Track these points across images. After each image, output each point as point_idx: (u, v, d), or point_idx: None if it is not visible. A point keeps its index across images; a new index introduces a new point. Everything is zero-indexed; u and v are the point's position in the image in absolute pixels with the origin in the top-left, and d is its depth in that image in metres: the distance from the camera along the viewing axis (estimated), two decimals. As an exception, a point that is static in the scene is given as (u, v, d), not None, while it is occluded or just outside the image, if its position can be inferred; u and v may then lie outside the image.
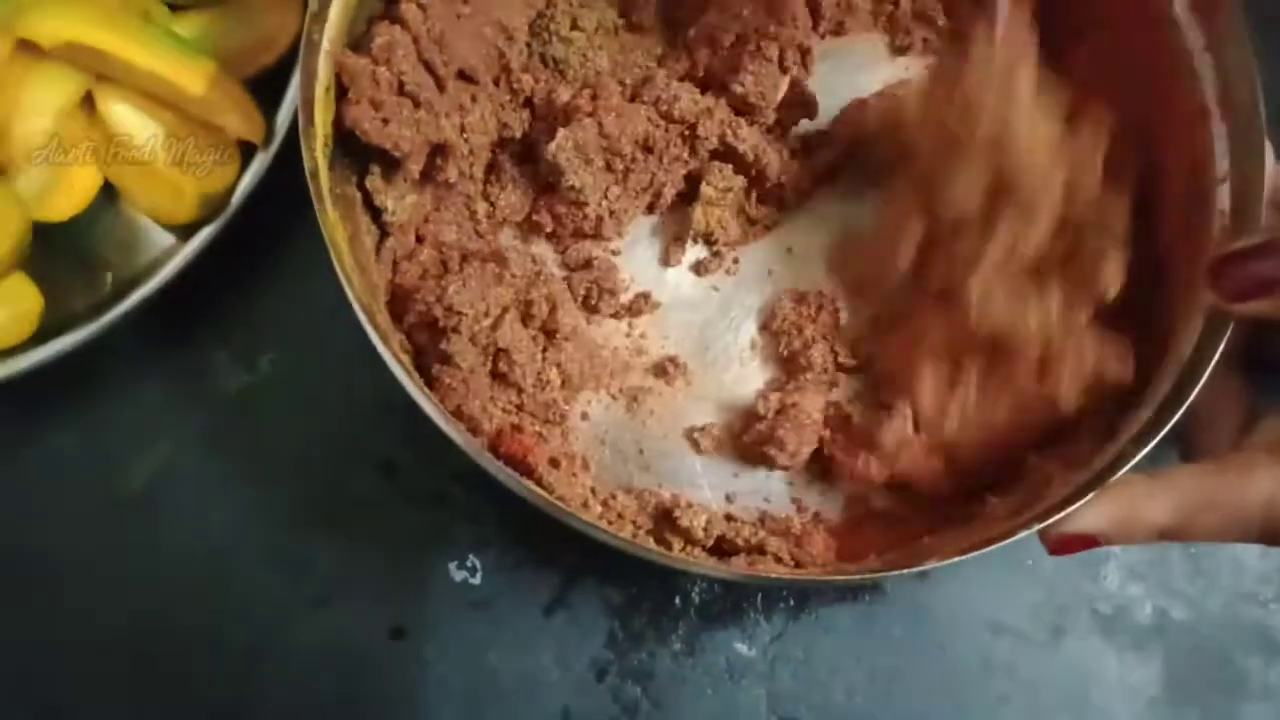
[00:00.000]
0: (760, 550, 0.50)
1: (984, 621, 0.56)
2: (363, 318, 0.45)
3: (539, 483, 0.50)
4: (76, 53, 0.51)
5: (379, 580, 0.55)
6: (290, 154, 0.54)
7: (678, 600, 0.56)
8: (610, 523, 0.51)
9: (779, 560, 0.50)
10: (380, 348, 0.45)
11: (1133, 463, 0.45)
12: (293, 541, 0.55)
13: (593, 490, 0.53)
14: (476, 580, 0.55)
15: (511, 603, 0.55)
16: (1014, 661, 0.55)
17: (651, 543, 0.50)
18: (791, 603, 0.56)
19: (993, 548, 0.44)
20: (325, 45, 0.49)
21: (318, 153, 0.48)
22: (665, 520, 0.51)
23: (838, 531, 0.53)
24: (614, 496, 0.53)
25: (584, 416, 0.56)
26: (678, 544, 0.50)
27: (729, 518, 0.53)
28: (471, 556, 0.55)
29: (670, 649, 0.55)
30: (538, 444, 0.52)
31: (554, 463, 0.52)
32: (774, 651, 0.55)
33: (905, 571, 0.49)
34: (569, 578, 0.56)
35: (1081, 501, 0.44)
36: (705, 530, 0.50)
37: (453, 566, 0.55)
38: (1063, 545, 0.44)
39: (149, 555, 0.55)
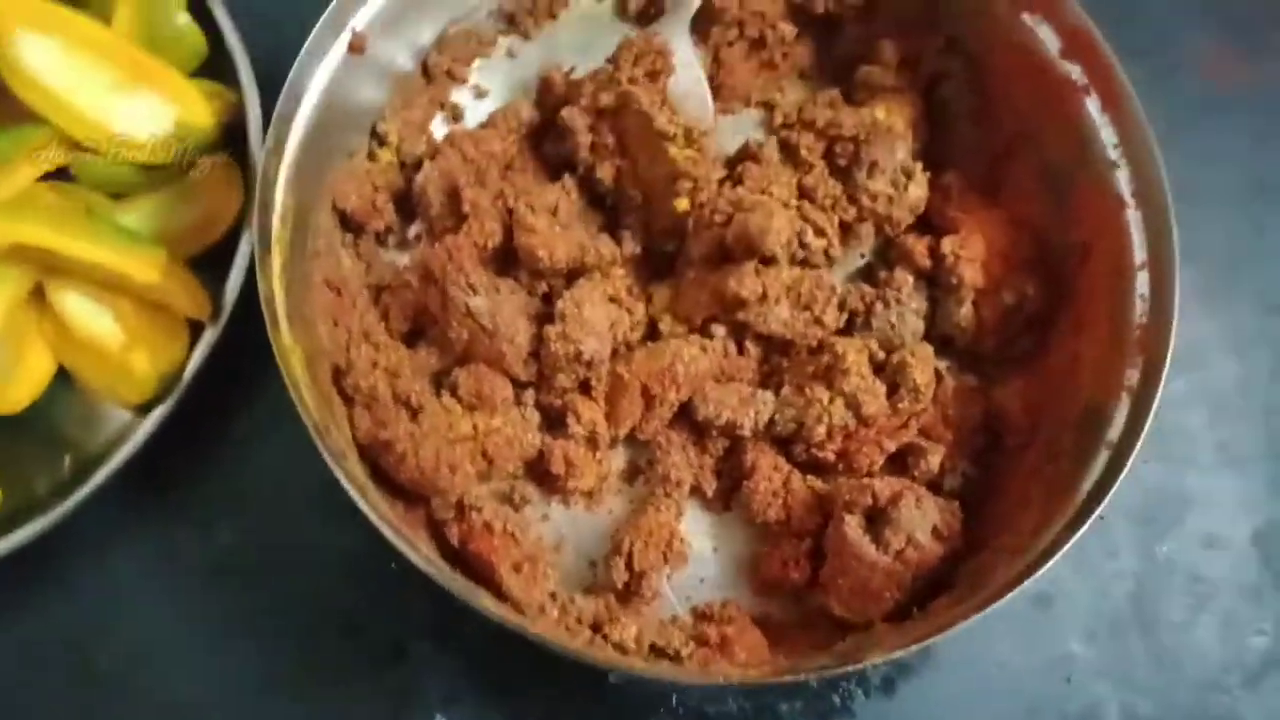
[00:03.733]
0: (705, 644, 0.51)
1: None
2: (315, 437, 0.46)
3: (499, 588, 0.52)
4: (24, 251, 0.53)
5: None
6: (238, 326, 0.57)
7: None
8: (568, 628, 0.52)
9: (722, 656, 0.50)
10: (330, 463, 0.46)
11: (1069, 545, 0.46)
12: (261, 711, 0.55)
13: (553, 595, 0.53)
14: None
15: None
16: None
17: (608, 648, 0.51)
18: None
19: (939, 638, 0.44)
20: (280, 179, 0.52)
21: (274, 281, 0.50)
22: (597, 632, 0.51)
23: (779, 632, 0.53)
24: (572, 600, 0.53)
25: (544, 518, 0.57)
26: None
27: (673, 620, 0.54)
28: (439, 717, 0.55)
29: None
30: (504, 545, 0.53)
31: (517, 567, 0.53)
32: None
33: (852, 669, 0.49)
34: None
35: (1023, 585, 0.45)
36: (637, 642, 0.50)
37: (424, 728, 0.55)
38: None
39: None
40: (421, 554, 0.47)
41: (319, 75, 0.54)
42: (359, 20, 0.55)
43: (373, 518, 0.45)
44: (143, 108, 0.56)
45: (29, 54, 0.53)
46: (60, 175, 0.57)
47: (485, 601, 0.46)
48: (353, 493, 0.45)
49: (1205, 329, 0.63)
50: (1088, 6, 0.67)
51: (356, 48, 0.55)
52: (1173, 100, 0.67)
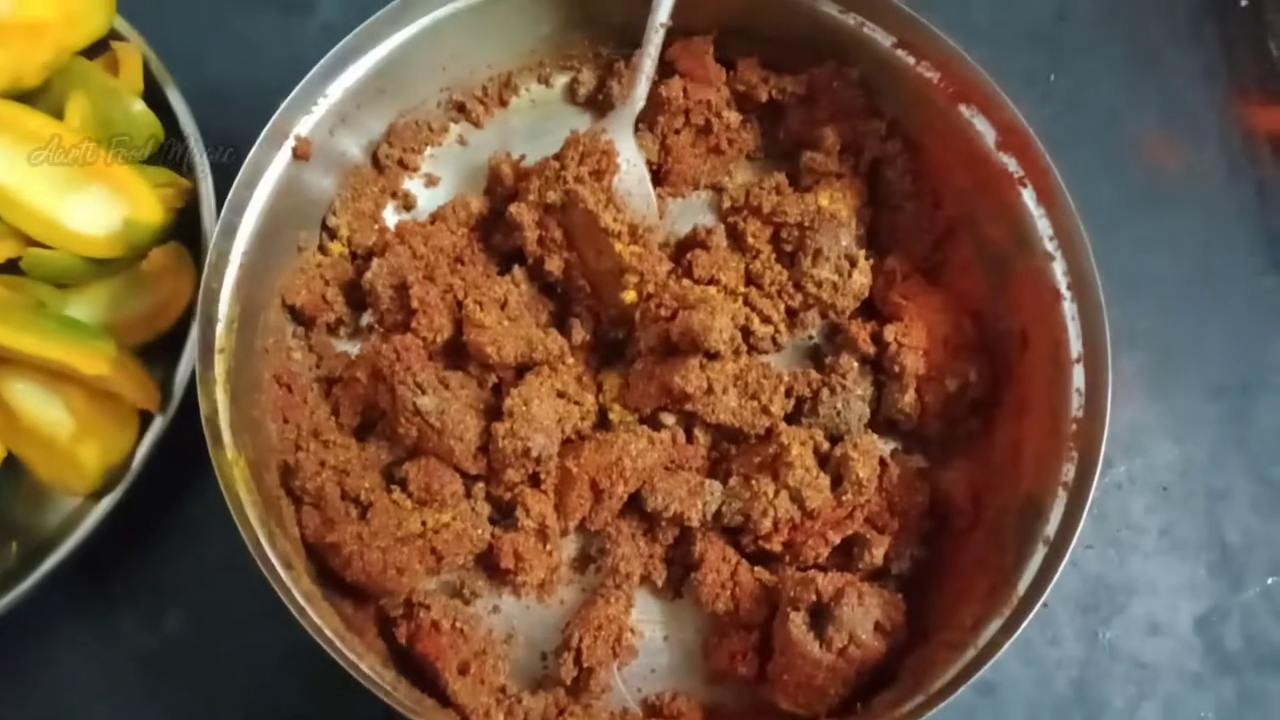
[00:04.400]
0: None
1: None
2: (254, 553, 0.47)
3: (444, 692, 0.51)
4: (-30, 350, 0.53)
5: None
6: (187, 414, 0.57)
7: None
8: None
9: None
10: (271, 579, 0.47)
11: (1009, 643, 0.47)
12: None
13: (502, 690, 0.53)
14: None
15: None
16: None
17: None
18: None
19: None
20: (225, 288, 0.52)
21: (217, 397, 0.51)
22: None
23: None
24: (520, 700, 0.53)
25: (494, 610, 0.57)
26: None
27: (624, 713, 0.54)
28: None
29: None
30: (452, 644, 0.53)
31: (463, 669, 0.53)
32: None
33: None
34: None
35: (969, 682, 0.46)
36: None
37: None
38: None
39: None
40: (366, 664, 0.47)
41: (264, 182, 0.54)
42: (303, 126, 0.56)
43: (315, 634, 0.46)
44: (93, 202, 0.56)
45: (-23, 154, 0.53)
46: (10, 266, 0.57)
47: (428, 712, 0.46)
48: (294, 609, 0.46)
49: (1148, 414, 0.64)
50: (1033, 94, 0.70)
51: (301, 154, 0.55)
52: (1117, 187, 0.69)
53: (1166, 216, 0.69)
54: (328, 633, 0.47)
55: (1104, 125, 0.72)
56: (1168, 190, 0.70)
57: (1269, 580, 0.61)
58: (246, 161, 0.53)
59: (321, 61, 0.56)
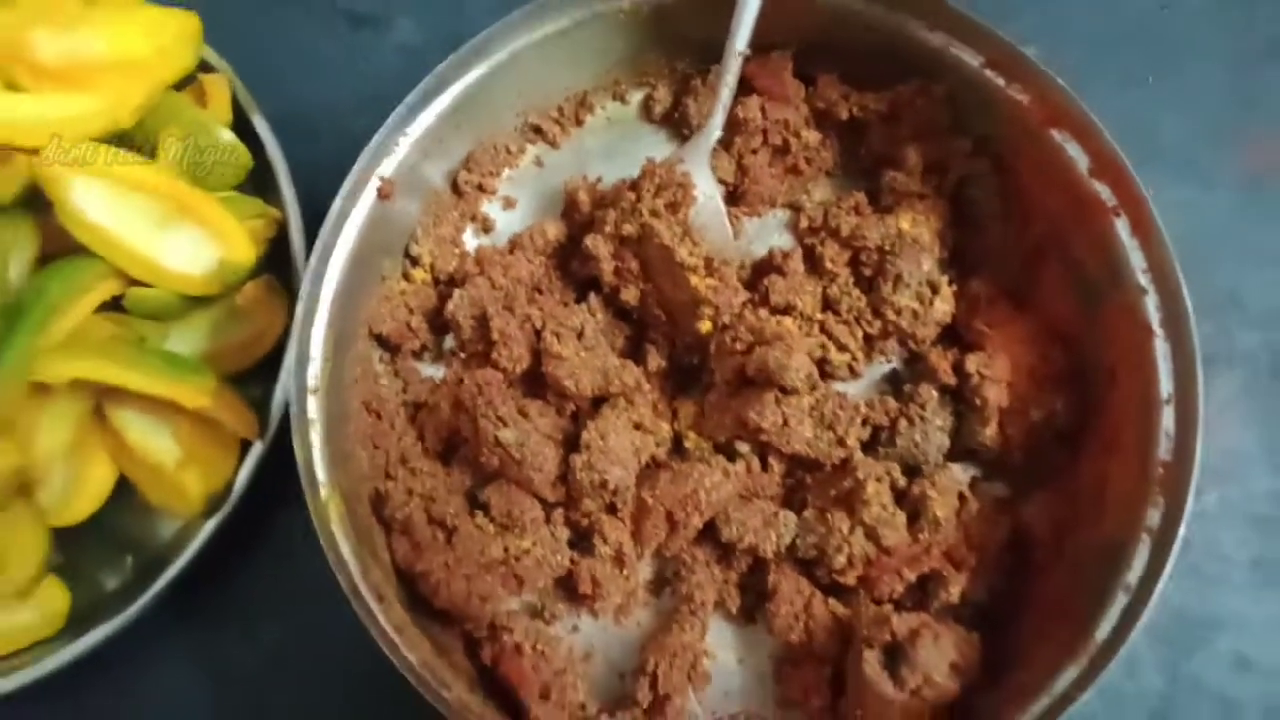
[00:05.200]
0: None
1: None
2: (350, 597, 0.49)
3: (526, 716, 0.54)
4: (83, 382, 0.57)
5: None
6: (283, 437, 0.59)
7: None
8: None
9: None
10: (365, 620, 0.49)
11: (1085, 695, 0.47)
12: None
13: (581, 708, 0.56)
14: None
15: None
16: None
17: None
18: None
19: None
20: (316, 332, 0.55)
21: (312, 439, 0.53)
22: None
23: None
24: None
25: (574, 629, 0.59)
26: None
27: None
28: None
29: None
30: (534, 666, 0.55)
31: (544, 693, 0.55)
32: None
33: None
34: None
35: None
36: None
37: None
38: None
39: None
40: (454, 693, 0.49)
41: (350, 223, 0.56)
42: (386, 167, 0.57)
43: (403, 669, 0.48)
44: (188, 242, 0.58)
45: (81, 198, 0.56)
46: (112, 304, 0.60)
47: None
48: (384, 645, 0.48)
49: (1245, 440, 0.62)
50: (1133, 99, 0.67)
51: (385, 194, 0.57)
52: (1222, 195, 0.66)
53: (1274, 228, 0.66)
54: (415, 665, 0.49)
55: (1208, 129, 0.68)
56: (1276, 200, 0.66)
57: (1368, 618, 0.59)
58: (333, 210, 0.54)
59: (404, 102, 0.56)
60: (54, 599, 0.59)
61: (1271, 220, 0.66)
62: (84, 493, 0.60)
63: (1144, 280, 0.54)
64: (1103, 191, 0.55)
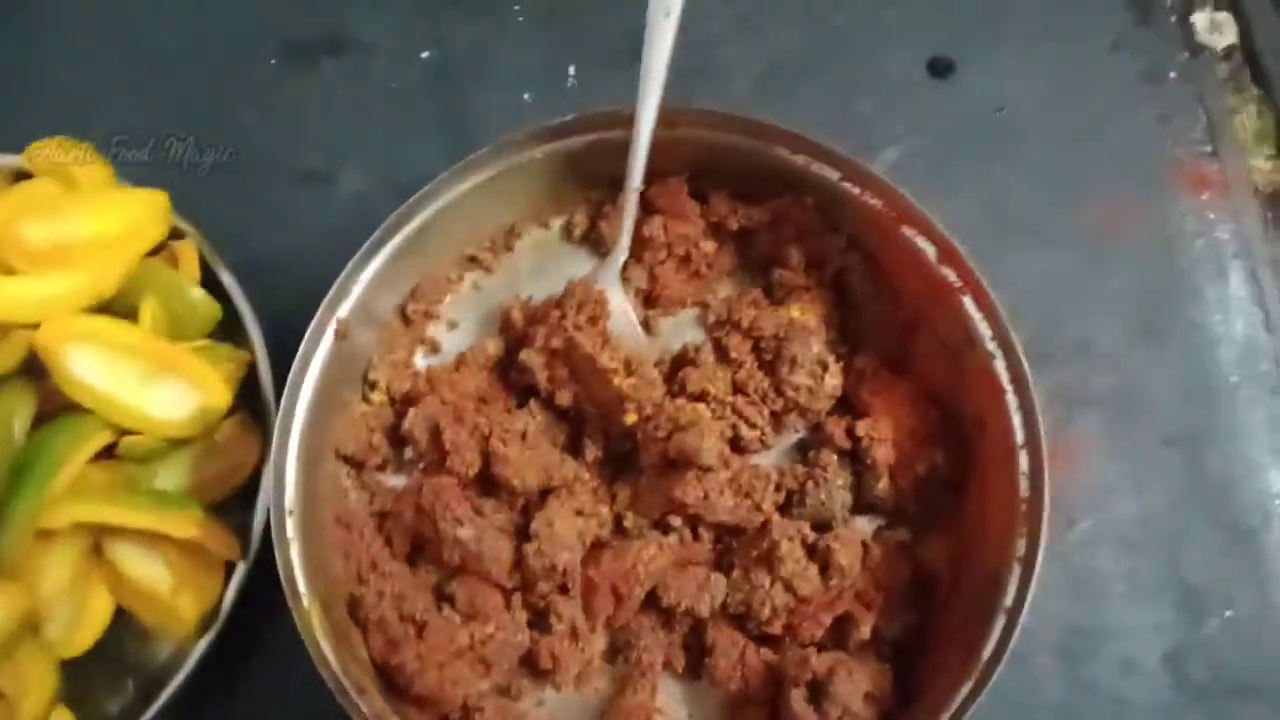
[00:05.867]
0: None
1: None
2: (334, 691, 0.56)
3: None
4: (82, 526, 0.64)
5: None
6: (263, 557, 0.66)
7: None
8: None
9: None
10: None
11: (976, 702, 0.55)
12: None
13: None
14: None
15: None
16: None
17: None
18: None
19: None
20: (289, 461, 0.62)
21: (291, 556, 0.60)
22: None
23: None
24: None
25: (540, 704, 0.65)
26: None
27: None
28: None
29: None
30: None
31: None
32: None
33: None
34: None
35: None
36: None
37: None
38: None
39: None
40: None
41: (314, 364, 0.64)
42: (343, 310, 0.65)
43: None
44: (171, 392, 0.66)
45: (76, 364, 0.64)
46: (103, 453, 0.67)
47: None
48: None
49: (1109, 471, 0.71)
50: (985, 178, 0.78)
51: (341, 334, 0.65)
52: (1069, 255, 0.76)
53: (1115, 281, 0.76)
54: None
55: (1052, 200, 0.79)
56: (1115, 257, 0.77)
57: (1227, 613, 0.67)
58: (300, 353, 0.63)
59: (357, 255, 0.65)
60: (61, 729, 0.65)
61: (1110, 273, 0.77)
62: (86, 624, 0.67)
63: (992, 346, 0.63)
64: (950, 275, 0.65)
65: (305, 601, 0.59)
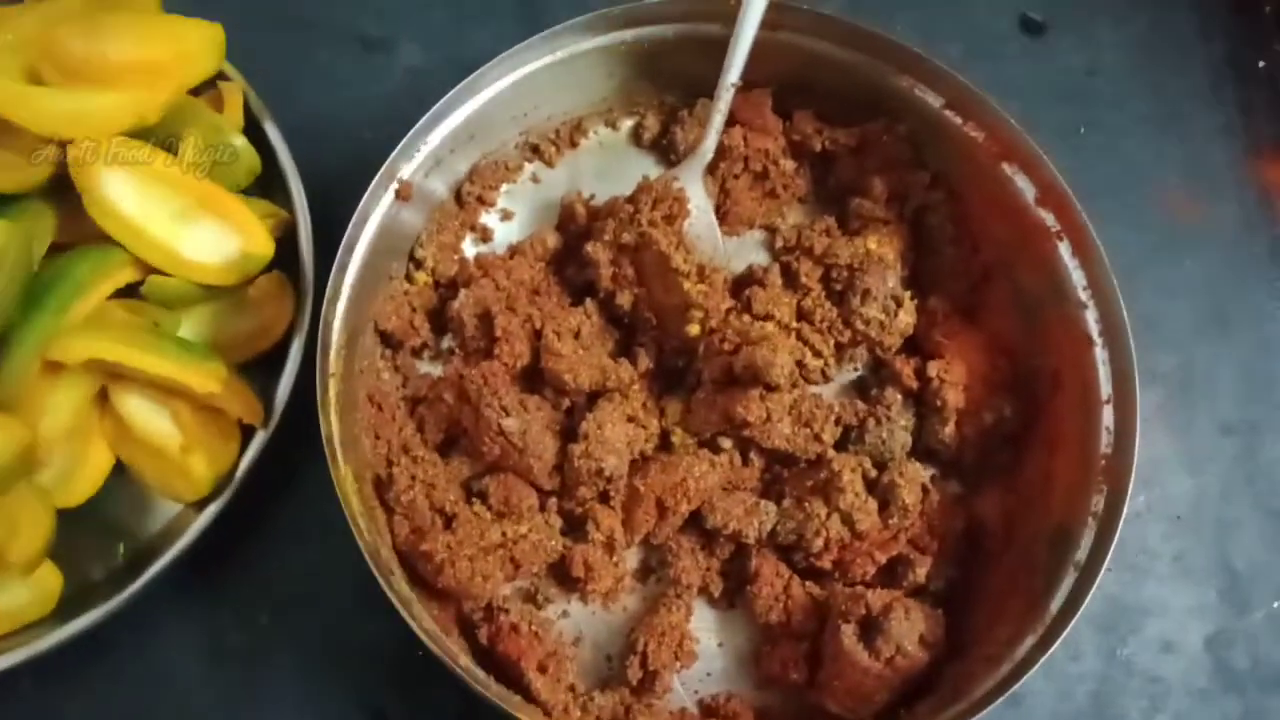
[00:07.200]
0: None
1: None
2: (370, 562, 0.52)
3: (527, 688, 0.57)
4: (97, 362, 0.58)
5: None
6: (286, 429, 0.62)
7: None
8: None
9: None
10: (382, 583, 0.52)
11: (1042, 659, 0.52)
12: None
13: (572, 689, 0.59)
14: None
15: None
16: None
17: None
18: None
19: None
20: (337, 320, 0.58)
21: (332, 419, 0.56)
22: None
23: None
24: (591, 697, 0.58)
25: (564, 614, 0.62)
26: None
27: (682, 712, 0.59)
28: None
29: None
30: (530, 644, 0.58)
31: (542, 668, 0.58)
32: None
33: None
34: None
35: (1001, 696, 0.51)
36: None
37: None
38: None
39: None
40: (461, 664, 0.52)
41: (371, 221, 0.60)
42: (405, 171, 0.61)
43: (420, 634, 0.51)
44: (208, 234, 0.61)
45: (109, 189, 0.58)
46: (127, 290, 0.62)
47: (517, 707, 0.51)
48: (404, 611, 0.51)
49: (1165, 449, 0.69)
50: (1064, 146, 0.75)
51: (403, 196, 0.61)
52: (1140, 235, 0.74)
53: (1185, 264, 0.75)
54: (429, 630, 0.52)
55: (1130, 177, 0.77)
56: (1187, 240, 0.75)
57: (1274, 604, 0.66)
58: (361, 205, 0.58)
59: (427, 114, 0.61)
60: (47, 580, 0.60)
61: (1181, 255, 0.75)
62: (83, 475, 0.62)
63: (1084, 296, 0.61)
64: (1048, 218, 0.62)
65: (343, 468, 0.54)
